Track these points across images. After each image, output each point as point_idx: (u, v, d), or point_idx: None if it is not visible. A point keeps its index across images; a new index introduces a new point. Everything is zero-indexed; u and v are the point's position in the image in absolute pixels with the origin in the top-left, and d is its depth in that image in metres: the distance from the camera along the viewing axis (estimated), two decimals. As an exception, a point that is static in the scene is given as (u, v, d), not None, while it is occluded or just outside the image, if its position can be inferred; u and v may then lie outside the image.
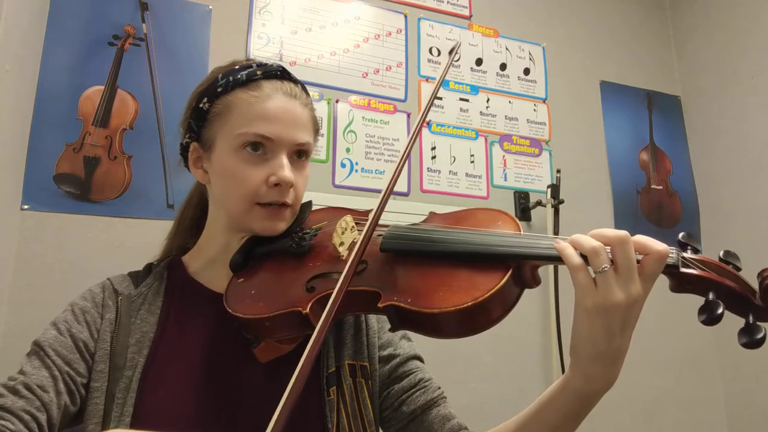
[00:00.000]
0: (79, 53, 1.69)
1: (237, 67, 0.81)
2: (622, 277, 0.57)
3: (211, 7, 1.89)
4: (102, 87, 1.70)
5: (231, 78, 0.79)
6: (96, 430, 0.69)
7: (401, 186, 2.03)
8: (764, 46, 2.32)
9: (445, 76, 0.79)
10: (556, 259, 0.59)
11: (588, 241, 0.58)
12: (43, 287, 1.52)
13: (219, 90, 0.79)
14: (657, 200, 2.47)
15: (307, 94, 0.85)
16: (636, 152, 2.50)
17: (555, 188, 2.15)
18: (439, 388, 0.82)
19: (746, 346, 0.54)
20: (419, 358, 0.86)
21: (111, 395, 0.71)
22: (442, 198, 2.08)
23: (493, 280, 0.59)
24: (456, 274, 0.62)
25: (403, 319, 0.63)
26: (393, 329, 0.65)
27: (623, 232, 0.58)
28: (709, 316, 0.54)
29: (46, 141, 1.61)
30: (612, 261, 0.57)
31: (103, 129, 1.68)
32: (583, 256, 0.58)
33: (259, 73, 0.79)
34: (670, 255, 0.58)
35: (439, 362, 1.78)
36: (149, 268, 0.86)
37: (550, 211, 2.13)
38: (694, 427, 2.26)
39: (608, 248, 0.58)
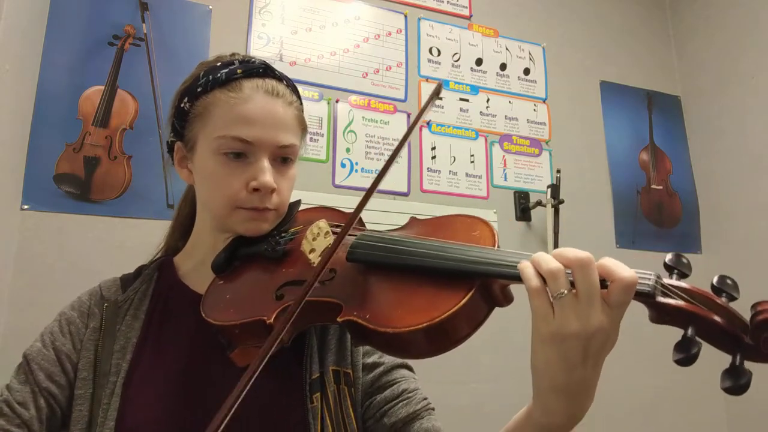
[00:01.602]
0: (79, 53, 1.70)
1: (218, 64, 0.78)
2: (582, 304, 0.51)
3: (211, 7, 1.89)
4: (102, 87, 1.70)
5: (211, 77, 0.77)
6: None
7: (401, 186, 2.03)
8: (764, 46, 2.32)
9: (422, 115, 0.73)
10: (520, 279, 0.54)
11: (547, 262, 0.52)
12: (43, 287, 1.52)
13: (199, 90, 0.77)
14: (657, 200, 2.47)
15: (293, 90, 0.82)
16: (636, 152, 2.50)
17: (555, 188, 2.15)
18: (425, 399, 0.78)
19: (728, 391, 0.48)
20: (406, 367, 0.82)
21: (98, 401, 0.71)
22: (442, 198, 2.08)
23: (454, 300, 0.55)
24: (419, 291, 0.59)
25: (360, 336, 0.60)
26: (354, 345, 0.62)
27: (584, 254, 0.51)
28: (684, 357, 0.48)
29: (46, 141, 1.61)
30: (573, 285, 0.52)
31: (103, 129, 1.68)
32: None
33: (239, 71, 0.77)
34: (644, 282, 0.51)
35: (438, 362, 1.78)
36: (139, 270, 0.86)
37: (550, 211, 2.13)
38: (693, 427, 2.26)
39: (570, 271, 0.52)
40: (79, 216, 1.61)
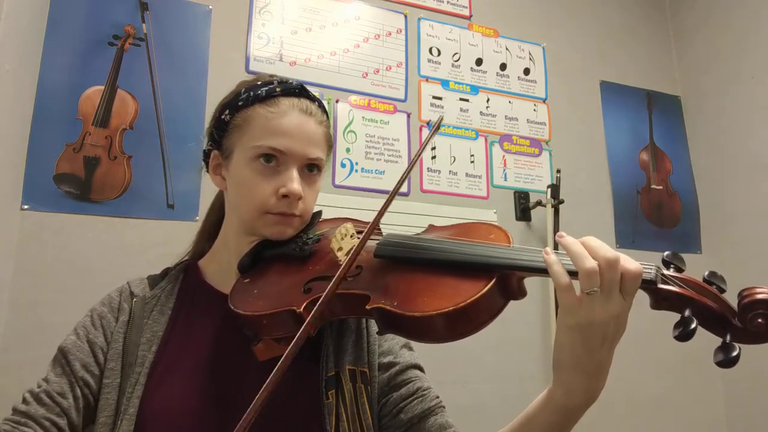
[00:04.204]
0: (79, 53, 1.69)
1: (259, 83, 0.86)
2: (605, 296, 0.57)
3: (211, 7, 1.89)
4: (102, 87, 1.70)
5: (252, 93, 0.84)
6: (107, 422, 0.75)
7: (401, 186, 2.03)
8: (764, 46, 2.32)
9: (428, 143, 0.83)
10: (541, 271, 0.60)
11: (584, 261, 0.57)
12: (43, 287, 1.51)
13: (240, 103, 0.84)
14: (657, 200, 2.47)
15: (324, 111, 0.89)
16: (636, 152, 2.50)
17: (555, 188, 2.15)
18: (437, 397, 0.83)
19: (720, 364, 0.54)
20: (419, 368, 0.87)
21: (122, 390, 0.76)
22: (442, 198, 2.08)
23: (476, 288, 0.61)
24: (443, 281, 0.65)
25: (387, 322, 0.65)
26: (380, 332, 0.67)
27: (613, 255, 0.57)
28: (682, 331, 0.54)
29: (46, 141, 1.61)
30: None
31: (103, 129, 1.68)
32: (570, 272, 0.58)
33: (278, 90, 0.84)
34: (647, 271, 0.58)
35: (440, 363, 1.79)
36: (166, 272, 0.92)
37: (550, 211, 2.13)
38: (694, 427, 2.26)
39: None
40: (79, 216, 1.61)
